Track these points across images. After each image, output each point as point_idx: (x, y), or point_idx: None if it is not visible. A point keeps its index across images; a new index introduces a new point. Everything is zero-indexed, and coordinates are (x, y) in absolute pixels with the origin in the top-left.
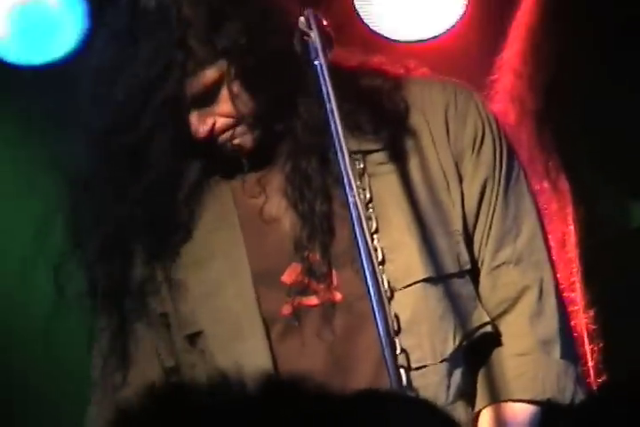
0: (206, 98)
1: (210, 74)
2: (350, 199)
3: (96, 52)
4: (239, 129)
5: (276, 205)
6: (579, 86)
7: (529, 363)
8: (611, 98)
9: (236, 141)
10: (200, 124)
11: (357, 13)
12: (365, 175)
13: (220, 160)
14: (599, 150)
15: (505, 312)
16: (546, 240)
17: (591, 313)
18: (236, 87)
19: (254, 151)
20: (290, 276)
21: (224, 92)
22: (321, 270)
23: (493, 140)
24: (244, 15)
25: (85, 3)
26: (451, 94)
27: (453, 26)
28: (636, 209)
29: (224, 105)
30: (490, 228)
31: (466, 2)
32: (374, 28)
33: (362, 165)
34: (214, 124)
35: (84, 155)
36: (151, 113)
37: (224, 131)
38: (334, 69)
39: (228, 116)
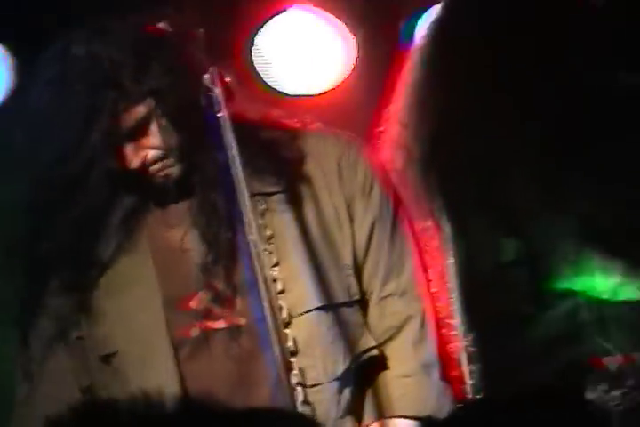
0: (138, 132)
1: (140, 110)
2: (250, 237)
3: (32, 98)
4: (167, 161)
5: (188, 234)
6: (459, 135)
7: (412, 384)
8: (490, 144)
9: (164, 172)
10: (134, 156)
11: (256, 71)
12: (267, 214)
13: (145, 192)
14: (477, 192)
15: (391, 338)
16: (425, 275)
17: (470, 337)
18: (163, 122)
19: (177, 182)
20: (197, 302)
21: (153, 127)
22: (225, 296)
23: (381, 187)
24: (165, 60)
25: (10, 56)
26: (343, 146)
27: (344, 81)
28: (508, 245)
29: (154, 139)
30: (378, 263)
31: (354, 59)
32: (272, 85)
33: (264, 206)
34: (146, 156)
35: (23, 189)
36: (89, 147)
37: (155, 162)
38: (239, 122)
39: (158, 149)
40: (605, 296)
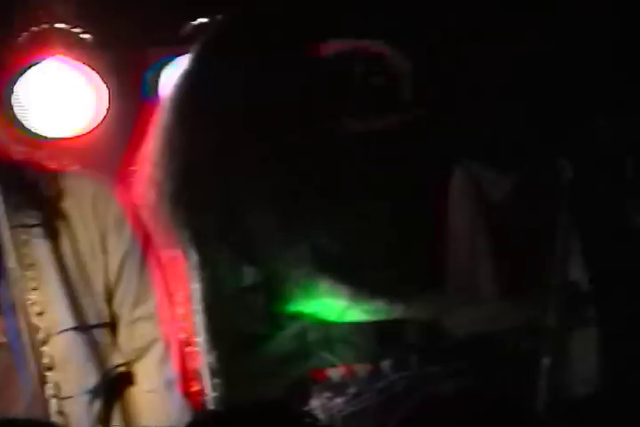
0: None
1: None
2: (8, 265)
3: None
4: None
5: None
6: (205, 172)
7: (157, 399)
8: (234, 179)
9: None
10: None
11: (15, 116)
12: (28, 244)
13: None
14: (222, 223)
15: (139, 358)
16: (171, 299)
17: (214, 354)
18: None
19: None
20: None
21: None
22: None
23: (131, 222)
24: None
25: None
26: (97, 186)
27: (98, 126)
28: (247, 271)
29: None
30: (128, 291)
31: (107, 106)
32: (31, 129)
33: (25, 237)
34: None
35: None
36: None
37: None
38: (5, 161)
39: None
40: (333, 318)
